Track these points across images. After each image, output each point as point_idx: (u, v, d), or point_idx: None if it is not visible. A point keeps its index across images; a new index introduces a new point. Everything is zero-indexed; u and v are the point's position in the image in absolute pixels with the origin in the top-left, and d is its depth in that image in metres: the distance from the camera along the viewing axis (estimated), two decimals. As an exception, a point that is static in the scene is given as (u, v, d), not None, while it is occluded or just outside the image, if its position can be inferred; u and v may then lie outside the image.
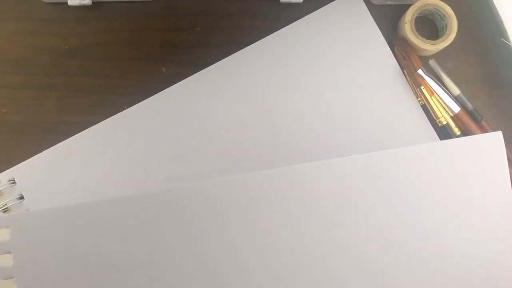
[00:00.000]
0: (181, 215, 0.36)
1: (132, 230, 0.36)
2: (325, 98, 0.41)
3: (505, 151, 0.35)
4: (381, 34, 0.41)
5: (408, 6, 0.41)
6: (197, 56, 0.42)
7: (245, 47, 0.42)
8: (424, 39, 0.40)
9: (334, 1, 0.41)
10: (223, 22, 0.42)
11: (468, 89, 0.41)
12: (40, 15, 0.43)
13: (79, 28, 0.42)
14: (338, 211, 0.36)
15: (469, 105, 0.41)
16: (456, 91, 0.41)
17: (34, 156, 0.40)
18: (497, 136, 0.35)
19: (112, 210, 0.36)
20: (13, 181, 0.40)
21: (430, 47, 0.40)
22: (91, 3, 0.42)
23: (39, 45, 0.42)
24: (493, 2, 0.41)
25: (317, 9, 0.42)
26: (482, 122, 0.41)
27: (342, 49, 0.41)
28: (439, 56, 0.42)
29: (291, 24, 0.42)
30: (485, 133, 0.37)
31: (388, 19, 0.42)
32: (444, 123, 0.40)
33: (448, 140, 0.36)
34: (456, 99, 0.41)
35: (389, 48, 0.41)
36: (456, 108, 0.40)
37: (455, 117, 0.40)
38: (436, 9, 0.40)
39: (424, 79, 0.40)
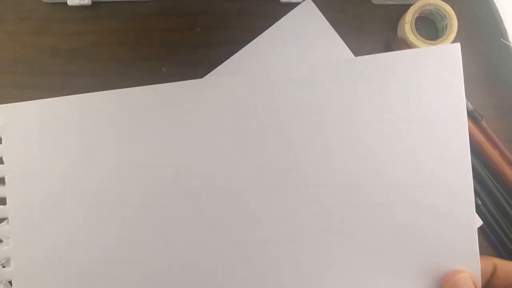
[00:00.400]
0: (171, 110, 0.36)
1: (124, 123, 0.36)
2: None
3: (461, 63, 0.33)
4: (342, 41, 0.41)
5: (408, 6, 0.41)
6: (197, 56, 0.42)
7: (244, 46, 0.42)
8: (424, 39, 0.40)
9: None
10: (223, 22, 0.42)
11: (468, 89, 0.41)
12: (40, 15, 0.43)
13: (79, 28, 0.42)
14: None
15: (469, 105, 0.41)
16: (456, 91, 0.41)
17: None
18: (454, 48, 0.34)
19: (103, 102, 0.36)
20: None
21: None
22: (90, 3, 0.42)
23: (39, 45, 0.42)
24: (493, 2, 0.41)
25: (319, 9, 0.42)
26: (481, 122, 0.41)
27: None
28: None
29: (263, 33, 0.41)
30: (442, 45, 0.36)
31: (388, 19, 0.42)
32: None
33: (401, 51, 0.35)
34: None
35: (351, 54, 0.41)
36: None
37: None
38: (437, 9, 0.40)
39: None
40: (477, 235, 0.32)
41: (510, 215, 0.40)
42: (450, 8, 0.40)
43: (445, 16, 0.40)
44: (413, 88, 0.34)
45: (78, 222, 0.36)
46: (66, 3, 0.42)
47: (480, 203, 0.40)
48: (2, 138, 0.36)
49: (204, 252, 0.35)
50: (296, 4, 0.42)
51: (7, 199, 0.36)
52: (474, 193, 0.34)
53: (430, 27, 0.42)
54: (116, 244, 0.36)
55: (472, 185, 0.33)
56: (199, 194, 0.36)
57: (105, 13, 0.43)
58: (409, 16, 0.40)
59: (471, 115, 0.41)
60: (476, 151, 0.41)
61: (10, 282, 0.36)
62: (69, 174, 0.36)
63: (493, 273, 0.32)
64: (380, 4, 0.42)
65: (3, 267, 0.36)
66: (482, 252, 0.32)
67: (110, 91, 0.36)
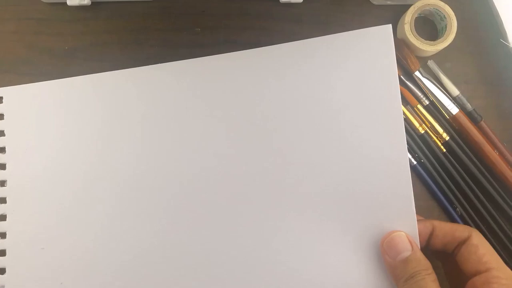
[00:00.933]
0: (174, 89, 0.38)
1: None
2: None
3: (393, 44, 0.36)
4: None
5: (408, 7, 0.41)
6: (197, 56, 0.42)
7: (244, 46, 0.41)
8: (423, 39, 0.40)
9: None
10: (223, 22, 0.42)
11: (467, 89, 0.42)
12: (40, 15, 0.43)
13: (78, 28, 0.42)
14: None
15: (469, 105, 0.41)
16: (455, 91, 0.41)
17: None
18: (386, 29, 0.36)
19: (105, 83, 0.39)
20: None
21: (429, 48, 0.40)
22: (90, 3, 0.42)
23: (38, 45, 0.42)
24: (493, 3, 0.41)
25: (317, 9, 0.42)
26: (481, 122, 0.41)
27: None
28: (439, 56, 0.42)
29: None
30: (374, 27, 0.37)
31: (388, 19, 0.42)
32: (423, 132, 0.41)
33: (336, 34, 0.37)
34: (455, 100, 0.41)
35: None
36: (454, 110, 0.41)
37: (453, 118, 0.41)
38: (436, 9, 0.40)
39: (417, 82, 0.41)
40: (413, 198, 0.34)
41: (509, 215, 0.40)
42: (450, 9, 0.40)
43: (444, 16, 0.40)
44: (349, 67, 0.37)
45: (71, 197, 0.38)
46: (65, 3, 0.41)
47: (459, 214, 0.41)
48: (4, 114, 0.39)
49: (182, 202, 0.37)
50: (296, 4, 0.42)
51: (6, 164, 0.39)
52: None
53: (429, 28, 0.42)
54: (113, 213, 0.38)
55: (407, 154, 0.35)
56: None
57: (105, 13, 0.43)
58: (409, 17, 0.40)
59: (470, 115, 0.41)
60: (475, 151, 0.41)
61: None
62: (65, 150, 0.38)
63: (432, 233, 0.35)
64: (379, 4, 0.42)
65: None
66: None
67: (111, 72, 0.39)
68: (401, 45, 0.41)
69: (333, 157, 0.36)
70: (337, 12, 0.42)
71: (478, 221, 0.40)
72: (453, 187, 0.41)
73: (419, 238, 0.34)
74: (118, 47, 0.42)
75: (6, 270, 0.38)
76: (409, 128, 0.41)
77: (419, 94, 0.41)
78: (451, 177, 0.41)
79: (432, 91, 0.41)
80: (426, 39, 0.40)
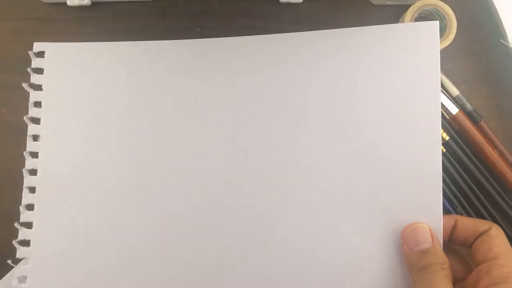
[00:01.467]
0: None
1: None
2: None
3: (438, 42, 0.36)
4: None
5: (407, 7, 0.41)
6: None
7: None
8: None
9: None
10: (223, 22, 0.42)
11: (467, 89, 0.42)
12: (40, 15, 0.43)
13: (78, 28, 0.42)
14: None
15: (468, 105, 0.41)
16: (455, 91, 0.41)
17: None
18: (433, 25, 0.36)
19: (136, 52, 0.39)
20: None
21: None
22: (90, 3, 0.42)
23: (39, 45, 0.42)
24: (493, 3, 0.41)
25: (317, 9, 0.42)
26: (480, 122, 0.41)
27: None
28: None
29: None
30: (421, 22, 0.37)
31: (387, 19, 0.42)
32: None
33: (380, 25, 0.37)
34: (455, 100, 0.41)
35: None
36: (454, 110, 0.41)
37: (453, 118, 0.41)
38: (436, 9, 0.40)
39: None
40: (441, 192, 0.35)
41: (509, 215, 0.40)
42: (449, 9, 0.40)
43: (444, 16, 0.40)
44: (392, 60, 0.36)
45: (101, 156, 0.39)
46: (65, 3, 0.42)
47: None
48: (44, 69, 0.40)
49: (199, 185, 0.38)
50: (296, 4, 0.42)
51: (41, 119, 0.39)
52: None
53: (429, 28, 0.42)
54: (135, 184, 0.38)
55: (440, 149, 0.36)
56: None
57: (105, 13, 0.43)
58: (409, 17, 0.40)
59: (470, 115, 0.41)
60: (475, 151, 0.41)
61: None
62: (100, 111, 0.39)
63: (454, 227, 0.35)
64: (379, 4, 0.42)
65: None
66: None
67: (162, 41, 0.40)
68: None
69: (363, 149, 0.36)
70: (336, 11, 0.42)
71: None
72: (453, 187, 0.41)
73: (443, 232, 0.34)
74: (118, 47, 0.42)
75: (33, 224, 0.39)
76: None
77: None
78: (451, 177, 0.41)
79: None
80: (426, 39, 0.40)
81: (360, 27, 0.37)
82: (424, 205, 0.35)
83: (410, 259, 0.34)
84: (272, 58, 0.38)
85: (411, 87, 0.36)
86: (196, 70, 0.39)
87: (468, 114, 0.41)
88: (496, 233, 0.33)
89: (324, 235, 0.36)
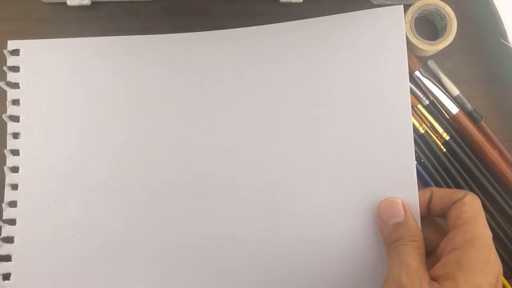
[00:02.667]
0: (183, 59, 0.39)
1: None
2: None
3: (404, 24, 0.37)
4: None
5: (408, 6, 0.41)
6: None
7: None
8: (423, 39, 0.40)
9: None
10: (223, 22, 0.42)
11: (467, 89, 0.42)
12: (40, 15, 0.43)
13: (78, 28, 0.42)
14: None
15: (469, 105, 0.41)
16: (455, 91, 0.41)
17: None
18: (397, 9, 0.37)
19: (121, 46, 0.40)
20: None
21: (429, 48, 0.40)
22: (90, 3, 0.42)
23: (38, 45, 0.42)
24: (493, 3, 0.41)
25: (318, 9, 0.42)
26: (481, 122, 0.41)
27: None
28: (439, 56, 0.42)
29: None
30: (385, 7, 0.38)
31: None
32: (423, 131, 0.41)
33: (346, 13, 0.39)
34: (455, 99, 0.41)
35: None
36: (455, 109, 0.41)
37: (453, 118, 0.41)
38: (436, 9, 0.40)
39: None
40: (415, 167, 0.36)
41: (509, 215, 0.40)
42: (450, 9, 0.40)
43: (444, 16, 0.40)
44: (359, 45, 0.38)
45: (83, 150, 0.39)
46: (65, 3, 0.41)
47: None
48: (20, 67, 0.40)
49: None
50: (297, 4, 0.42)
51: (20, 117, 0.40)
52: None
53: (429, 27, 0.42)
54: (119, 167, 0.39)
55: (411, 123, 0.36)
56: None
57: (105, 13, 0.43)
58: (409, 16, 0.40)
59: (470, 115, 0.41)
60: (475, 151, 0.41)
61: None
62: (77, 106, 0.40)
63: (430, 198, 0.35)
64: (379, 4, 0.42)
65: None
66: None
67: (136, 36, 0.40)
68: None
69: (338, 127, 0.37)
70: (337, 11, 0.41)
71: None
72: (453, 186, 0.41)
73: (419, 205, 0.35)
74: (118, 47, 0.42)
75: (17, 220, 0.39)
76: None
77: (419, 94, 0.41)
78: (451, 176, 0.41)
79: (432, 91, 0.41)
80: (426, 39, 0.40)
81: (323, 17, 0.38)
82: (399, 180, 0.36)
83: (384, 233, 0.34)
84: (234, 51, 0.39)
85: (379, 72, 0.37)
86: (174, 63, 0.40)
87: (469, 114, 0.41)
88: (469, 200, 0.32)
89: (306, 215, 0.37)
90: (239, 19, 0.42)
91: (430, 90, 0.41)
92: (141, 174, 0.39)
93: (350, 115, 0.37)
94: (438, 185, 0.41)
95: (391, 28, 0.37)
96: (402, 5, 0.37)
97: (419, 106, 0.41)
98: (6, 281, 0.38)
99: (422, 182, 0.41)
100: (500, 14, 0.40)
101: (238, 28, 0.39)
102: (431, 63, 0.41)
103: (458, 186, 0.41)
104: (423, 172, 0.41)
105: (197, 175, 0.38)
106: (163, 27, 0.42)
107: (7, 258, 0.38)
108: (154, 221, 0.38)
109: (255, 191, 0.38)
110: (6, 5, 0.43)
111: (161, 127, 0.39)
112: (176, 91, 0.39)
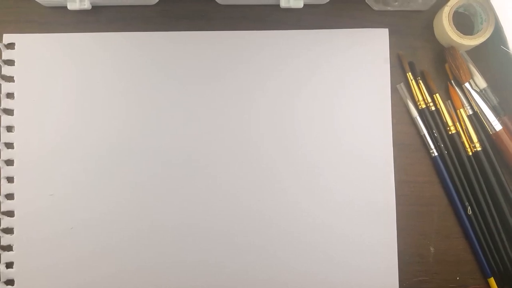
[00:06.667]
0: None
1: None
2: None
3: (388, 46, 0.41)
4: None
5: (409, 12, 0.41)
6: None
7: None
8: (461, 33, 0.40)
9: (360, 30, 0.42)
10: (223, 26, 0.42)
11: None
12: (40, 19, 0.42)
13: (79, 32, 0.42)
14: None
15: (494, 99, 0.40)
16: (483, 84, 0.40)
17: (45, 34, 0.41)
18: (383, 32, 0.41)
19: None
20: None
21: (468, 42, 0.40)
22: (90, 7, 0.42)
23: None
24: (494, 10, 0.41)
25: (317, 14, 0.42)
26: (504, 117, 0.40)
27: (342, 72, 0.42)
28: (440, 60, 0.42)
29: (309, 30, 0.42)
30: (372, 28, 0.41)
31: (388, 25, 0.42)
32: (454, 132, 0.40)
33: (336, 29, 0.41)
34: (482, 92, 0.40)
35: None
36: (498, 126, 0.39)
37: (496, 135, 0.40)
38: (475, 3, 0.40)
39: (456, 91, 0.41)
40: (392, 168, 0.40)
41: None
42: (489, 2, 0.40)
43: (482, 11, 0.40)
44: (345, 62, 0.41)
45: (78, 144, 0.40)
46: (66, 7, 0.41)
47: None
48: (15, 60, 0.41)
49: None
50: (297, 9, 0.42)
51: (14, 110, 0.40)
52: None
53: (464, 23, 0.42)
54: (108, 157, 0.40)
55: (391, 139, 0.41)
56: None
57: (105, 17, 0.42)
58: (447, 11, 0.40)
59: (495, 109, 0.40)
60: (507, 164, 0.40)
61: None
62: (71, 100, 0.40)
63: None
64: (380, 10, 0.42)
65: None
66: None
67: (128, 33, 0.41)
68: (455, 53, 0.40)
69: (326, 125, 0.41)
70: (336, 17, 0.42)
71: (483, 225, 0.40)
72: (467, 188, 0.40)
73: None
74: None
75: (15, 213, 0.39)
76: (439, 123, 0.41)
77: (465, 101, 0.41)
78: (468, 179, 0.40)
79: (479, 105, 0.40)
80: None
81: (318, 30, 0.42)
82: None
83: None
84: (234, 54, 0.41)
85: (366, 76, 0.41)
86: (163, 61, 0.41)
87: (493, 108, 0.40)
88: None
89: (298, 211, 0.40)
90: (239, 24, 0.42)
91: (477, 102, 0.40)
92: (135, 165, 0.39)
93: (338, 117, 0.41)
94: (453, 181, 0.40)
95: (376, 47, 0.41)
96: (387, 29, 0.41)
97: (462, 111, 0.40)
98: (10, 269, 0.39)
99: (438, 175, 0.41)
100: (501, 21, 0.40)
101: (236, 31, 0.41)
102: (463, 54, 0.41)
103: (472, 190, 0.40)
104: (441, 164, 0.40)
105: (195, 169, 0.40)
106: (164, 31, 0.42)
107: (8, 248, 0.39)
108: (150, 210, 0.39)
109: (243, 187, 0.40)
110: (6, 8, 0.42)
111: (155, 120, 0.40)
112: (168, 85, 0.41)
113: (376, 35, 0.41)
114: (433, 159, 0.41)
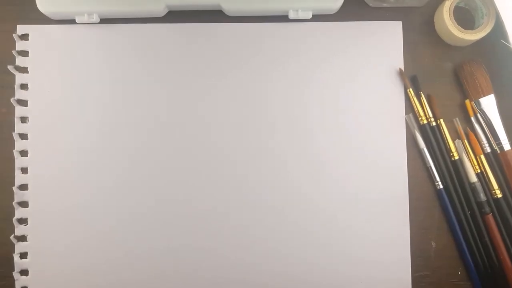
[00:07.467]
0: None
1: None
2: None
3: (402, 38, 0.41)
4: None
5: (402, 9, 0.41)
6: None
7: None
8: (462, 28, 0.40)
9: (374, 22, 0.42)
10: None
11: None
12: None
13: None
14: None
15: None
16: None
17: (59, 25, 0.41)
18: (397, 25, 0.41)
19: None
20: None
21: (469, 37, 0.40)
22: (98, 21, 0.42)
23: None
24: (495, 5, 0.40)
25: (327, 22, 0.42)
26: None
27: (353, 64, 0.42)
28: (441, 57, 0.42)
29: (320, 22, 0.42)
30: (385, 21, 0.41)
31: (383, 20, 0.42)
32: (478, 171, 0.40)
33: (350, 22, 0.41)
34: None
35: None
36: (507, 146, 0.39)
37: (503, 154, 0.40)
38: None
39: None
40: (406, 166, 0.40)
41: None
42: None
43: (482, 5, 0.40)
44: (358, 54, 0.41)
45: (90, 135, 0.40)
46: (74, 20, 0.42)
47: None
48: (29, 51, 0.41)
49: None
50: (305, 20, 0.42)
51: (28, 101, 0.41)
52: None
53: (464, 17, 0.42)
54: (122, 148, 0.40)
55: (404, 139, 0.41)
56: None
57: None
58: (448, 5, 0.40)
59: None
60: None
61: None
62: (85, 91, 0.41)
63: None
64: (376, 6, 0.42)
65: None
66: None
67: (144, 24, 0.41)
68: (479, 65, 0.40)
69: (335, 123, 0.41)
70: (334, 13, 0.42)
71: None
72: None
73: None
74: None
75: (29, 204, 0.40)
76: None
77: (483, 138, 0.40)
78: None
79: (492, 121, 0.40)
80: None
81: (332, 22, 0.41)
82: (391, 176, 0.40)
83: None
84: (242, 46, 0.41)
85: (378, 69, 0.41)
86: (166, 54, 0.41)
87: None
88: None
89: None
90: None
91: (489, 120, 0.40)
92: (149, 160, 0.40)
93: (350, 110, 0.41)
94: (457, 217, 0.40)
95: (390, 40, 0.41)
96: (401, 22, 0.40)
97: (482, 157, 0.40)
98: (24, 259, 0.40)
99: (442, 209, 0.41)
100: (502, 16, 0.40)
101: (248, 23, 0.41)
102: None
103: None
104: (445, 197, 0.40)
105: (206, 162, 0.40)
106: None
107: (22, 238, 0.40)
108: (164, 205, 0.40)
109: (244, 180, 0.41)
110: (12, 20, 0.42)
111: (167, 111, 0.40)
112: (175, 76, 0.41)
113: (389, 27, 0.41)
114: (438, 192, 0.41)
